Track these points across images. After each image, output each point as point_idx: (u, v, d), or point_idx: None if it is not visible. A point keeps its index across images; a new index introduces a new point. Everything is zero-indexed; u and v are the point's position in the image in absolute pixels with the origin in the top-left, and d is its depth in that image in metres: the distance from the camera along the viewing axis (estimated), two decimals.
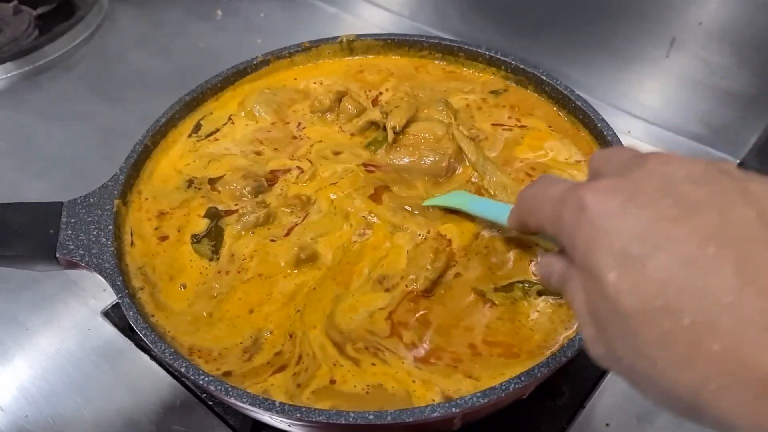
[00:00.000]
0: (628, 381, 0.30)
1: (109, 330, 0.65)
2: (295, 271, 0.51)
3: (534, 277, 0.50)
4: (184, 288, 0.51)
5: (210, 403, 0.59)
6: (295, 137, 0.62)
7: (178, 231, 0.55)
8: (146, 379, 0.61)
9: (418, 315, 0.48)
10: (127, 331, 0.64)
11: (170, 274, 0.52)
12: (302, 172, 0.58)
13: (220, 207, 0.56)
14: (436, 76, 0.67)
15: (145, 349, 0.63)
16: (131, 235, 0.54)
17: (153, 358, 0.62)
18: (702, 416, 0.26)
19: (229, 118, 0.63)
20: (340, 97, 0.63)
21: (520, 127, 0.61)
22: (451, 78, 0.67)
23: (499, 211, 0.48)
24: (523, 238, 0.52)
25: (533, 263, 0.51)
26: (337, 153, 0.60)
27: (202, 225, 0.55)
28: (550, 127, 0.61)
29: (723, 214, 0.26)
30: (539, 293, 0.49)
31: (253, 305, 0.50)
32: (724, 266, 0.25)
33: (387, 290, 0.50)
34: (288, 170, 0.59)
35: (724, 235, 0.26)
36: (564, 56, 0.93)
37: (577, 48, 0.92)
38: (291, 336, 0.48)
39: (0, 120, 0.89)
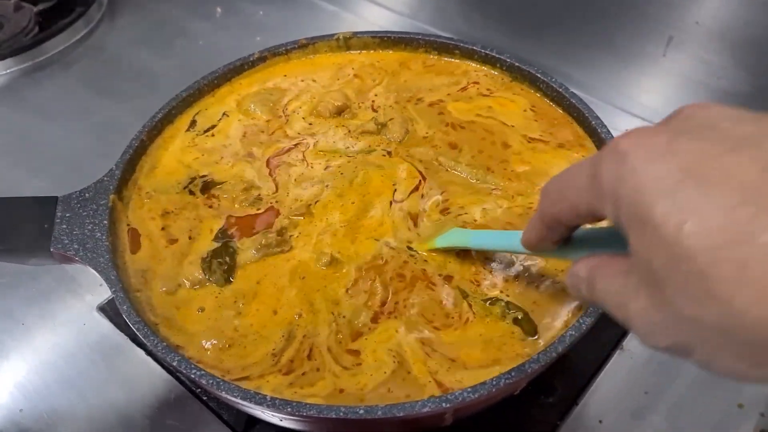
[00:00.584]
0: (689, 347, 0.27)
1: (105, 325, 0.65)
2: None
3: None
4: (201, 311, 0.50)
5: (204, 398, 0.59)
6: (288, 136, 0.62)
7: (189, 238, 0.54)
8: (141, 375, 0.61)
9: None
10: (123, 326, 0.64)
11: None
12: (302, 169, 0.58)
13: (230, 230, 0.55)
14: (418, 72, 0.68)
15: (140, 344, 0.63)
16: (138, 236, 0.54)
17: (148, 353, 0.62)
18: None
19: (224, 114, 0.64)
20: (340, 110, 0.63)
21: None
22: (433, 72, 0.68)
23: (507, 238, 0.46)
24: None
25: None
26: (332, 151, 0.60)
27: (210, 245, 0.54)
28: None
29: None
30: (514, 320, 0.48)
31: (274, 306, 0.50)
32: None
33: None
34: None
35: None
36: (564, 56, 0.93)
37: (577, 47, 0.92)
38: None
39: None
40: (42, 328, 0.65)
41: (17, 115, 0.89)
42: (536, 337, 0.47)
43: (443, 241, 0.52)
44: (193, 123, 0.63)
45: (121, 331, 0.64)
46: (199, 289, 0.51)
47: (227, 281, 0.51)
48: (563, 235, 0.36)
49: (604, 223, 0.34)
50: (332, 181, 0.57)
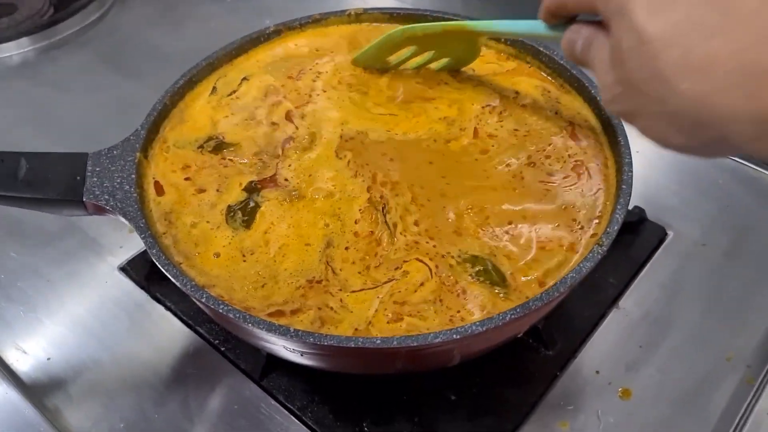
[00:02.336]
0: (635, 113, 0.35)
1: (126, 283, 0.68)
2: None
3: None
4: (217, 257, 0.53)
5: (222, 349, 0.62)
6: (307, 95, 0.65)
7: (217, 190, 0.57)
8: (161, 329, 0.64)
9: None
10: (143, 283, 0.67)
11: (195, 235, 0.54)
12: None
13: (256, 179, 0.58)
14: None
15: (160, 300, 0.66)
16: (161, 186, 0.57)
17: (168, 308, 0.66)
18: (704, 123, 0.31)
19: (244, 79, 0.67)
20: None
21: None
22: None
23: (527, 24, 0.52)
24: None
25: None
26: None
27: (239, 196, 0.57)
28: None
29: None
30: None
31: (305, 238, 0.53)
32: (740, 2, 0.29)
33: None
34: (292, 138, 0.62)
35: None
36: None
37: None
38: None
39: (17, 91, 0.93)
40: (66, 285, 0.68)
41: (36, 89, 0.93)
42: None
43: (479, 25, 0.58)
44: (214, 89, 0.66)
45: (142, 288, 0.67)
46: (221, 233, 0.54)
47: (248, 227, 0.54)
48: (569, 17, 0.44)
49: None
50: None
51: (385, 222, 0.53)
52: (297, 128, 0.62)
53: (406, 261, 0.51)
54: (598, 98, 0.59)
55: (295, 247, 0.53)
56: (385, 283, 0.50)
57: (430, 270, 0.50)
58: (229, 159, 0.59)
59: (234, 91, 0.66)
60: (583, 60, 0.41)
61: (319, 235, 0.53)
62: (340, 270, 0.51)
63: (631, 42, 0.32)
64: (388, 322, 0.48)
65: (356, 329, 0.47)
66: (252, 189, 0.57)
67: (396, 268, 0.51)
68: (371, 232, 0.53)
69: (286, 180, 0.57)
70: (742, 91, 0.28)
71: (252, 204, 0.55)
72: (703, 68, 0.29)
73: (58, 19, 1.03)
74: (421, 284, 0.50)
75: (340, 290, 0.50)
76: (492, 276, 0.50)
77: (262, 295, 0.50)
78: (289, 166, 0.58)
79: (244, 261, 0.52)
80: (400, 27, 0.63)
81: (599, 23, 0.39)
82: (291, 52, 0.70)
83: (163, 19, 1.07)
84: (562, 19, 0.44)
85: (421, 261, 0.51)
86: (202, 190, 0.57)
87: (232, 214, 0.55)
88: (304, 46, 0.71)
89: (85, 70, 0.96)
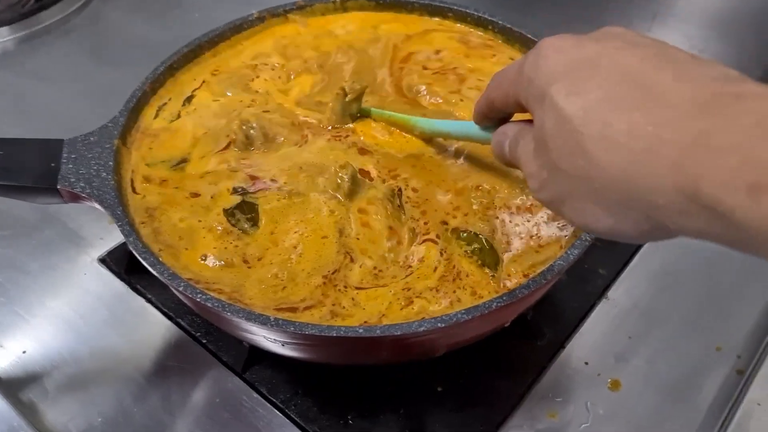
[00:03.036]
0: (562, 199, 0.34)
1: (106, 275, 0.66)
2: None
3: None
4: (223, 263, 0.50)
5: (204, 341, 0.61)
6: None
7: (211, 198, 0.54)
8: (142, 321, 0.63)
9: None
10: (123, 275, 0.66)
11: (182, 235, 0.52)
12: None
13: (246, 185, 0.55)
14: None
15: (140, 292, 0.65)
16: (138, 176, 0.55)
17: (149, 300, 0.64)
18: (630, 197, 0.30)
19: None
20: None
21: None
22: None
23: (462, 125, 0.52)
24: None
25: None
26: None
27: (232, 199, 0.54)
28: None
29: (661, 50, 0.32)
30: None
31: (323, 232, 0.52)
32: (662, 73, 0.30)
33: None
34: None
35: (663, 57, 0.31)
36: (550, 30, 0.95)
37: (563, 21, 0.95)
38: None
39: None
40: (44, 277, 0.66)
41: (17, 79, 0.90)
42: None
43: (420, 122, 0.57)
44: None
45: (122, 280, 0.66)
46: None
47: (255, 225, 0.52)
48: (500, 117, 0.43)
49: None
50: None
51: (400, 205, 0.53)
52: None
53: (421, 242, 0.51)
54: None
55: (311, 241, 0.51)
56: (402, 279, 0.49)
57: (441, 252, 0.50)
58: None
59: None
60: (511, 158, 0.41)
61: (331, 223, 0.52)
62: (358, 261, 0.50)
63: (553, 123, 0.32)
64: (401, 309, 0.47)
65: (365, 322, 0.46)
66: (243, 192, 0.55)
67: (407, 261, 0.50)
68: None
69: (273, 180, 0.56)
70: (665, 162, 0.28)
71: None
72: (624, 140, 0.29)
73: (39, 7, 1.01)
74: (435, 269, 0.49)
75: (354, 288, 0.49)
76: (486, 256, 0.49)
77: (281, 297, 0.48)
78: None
79: (259, 262, 0.50)
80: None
81: (525, 122, 0.39)
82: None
83: (147, 8, 1.05)
84: (494, 121, 0.44)
85: (432, 241, 0.51)
86: (195, 195, 0.55)
87: (233, 216, 0.53)
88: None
89: (66, 60, 0.94)
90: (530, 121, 0.37)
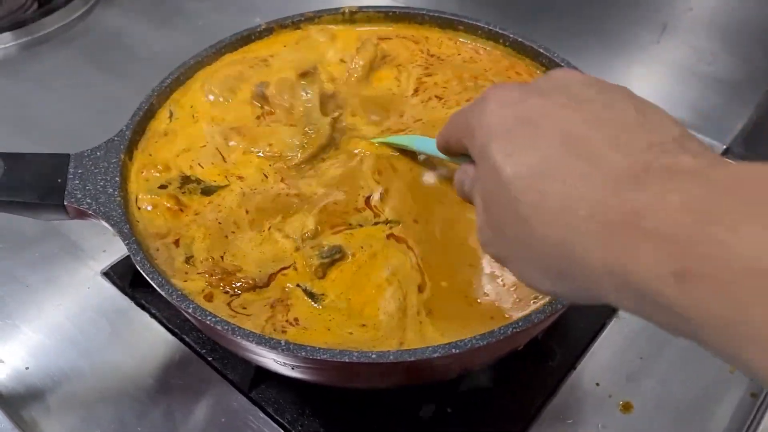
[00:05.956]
0: (505, 258, 0.33)
1: (109, 289, 0.65)
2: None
3: None
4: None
5: (209, 358, 0.59)
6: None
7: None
8: (145, 337, 0.62)
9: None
10: (127, 289, 0.65)
11: None
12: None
13: None
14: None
15: (144, 307, 0.64)
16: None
17: (152, 316, 0.63)
18: (564, 271, 0.29)
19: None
20: None
21: None
22: None
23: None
24: None
25: None
26: None
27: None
28: None
29: (607, 107, 0.30)
30: None
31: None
32: (600, 139, 0.29)
33: None
34: None
35: (605, 120, 0.30)
36: (557, 42, 0.95)
37: (570, 34, 0.94)
38: None
39: None
40: (46, 291, 0.65)
41: (17, 86, 0.89)
42: None
43: (393, 139, 0.56)
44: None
45: (126, 295, 0.65)
46: None
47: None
48: (458, 153, 0.41)
49: None
50: None
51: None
52: None
53: None
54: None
55: None
56: None
57: None
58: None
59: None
60: (470, 199, 0.39)
61: None
62: None
63: (493, 185, 0.31)
64: None
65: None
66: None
67: None
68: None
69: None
70: (595, 240, 0.27)
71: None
72: (560, 213, 0.28)
73: (41, 14, 1.00)
74: None
75: None
76: None
77: None
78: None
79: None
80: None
81: None
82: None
83: (149, 16, 1.04)
84: (455, 155, 0.42)
85: None
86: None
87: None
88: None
89: (68, 68, 0.93)
90: None
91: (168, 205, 0.53)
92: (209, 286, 0.48)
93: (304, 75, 0.63)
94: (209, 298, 0.48)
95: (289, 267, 0.50)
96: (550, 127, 0.30)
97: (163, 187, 0.54)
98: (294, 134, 0.58)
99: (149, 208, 0.53)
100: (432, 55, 0.68)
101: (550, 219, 0.29)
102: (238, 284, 0.48)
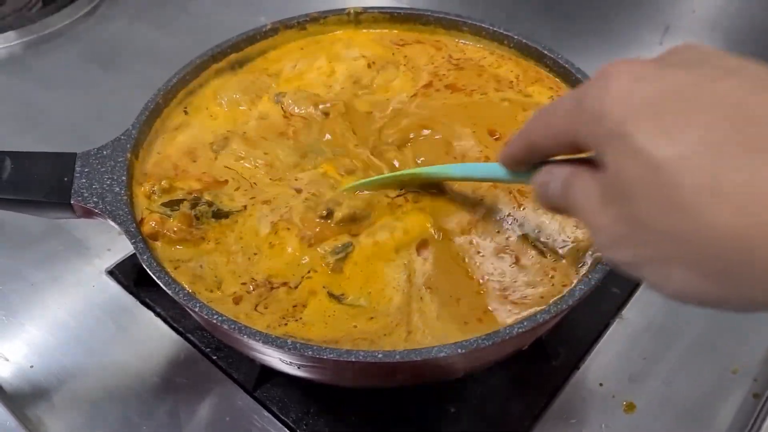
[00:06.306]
0: (645, 261, 0.28)
1: (114, 287, 0.65)
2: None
3: None
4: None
5: (214, 357, 0.60)
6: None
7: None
8: (150, 335, 0.62)
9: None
10: (132, 288, 0.65)
11: None
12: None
13: None
14: None
15: (149, 306, 0.64)
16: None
17: (157, 314, 0.63)
18: (743, 265, 0.25)
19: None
20: None
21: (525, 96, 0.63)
22: None
23: (485, 168, 0.47)
24: None
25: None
26: None
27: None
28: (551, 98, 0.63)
29: (760, 75, 0.26)
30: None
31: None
32: None
33: None
34: None
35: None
36: (560, 43, 0.95)
37: (572, 34, 0.94)
38: None
39: (2, 87, 0.89)
40: (51, 289, 0.65)
41: (22, 85, 0.90)
42: None
43: (426, 171, 0.51)
44: None
45: (130, 293, 0.65)
46: None
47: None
48: (536, 160, 0.37)
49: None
50: None
51: None
52: None
53: None
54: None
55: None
56: None
57: None
58: None
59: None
60: (562, 204, 0.34)
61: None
62: None
63: (637, 171, 0.27)
64: None
65: None
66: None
67: None
68: None
69: None
70: None
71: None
72: (741, 196, 0.24)
73: (46, 12, 1.00)
74: None
75: None
76: None
77: None
78: None
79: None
80: (351, 184, 0.54)
81: (576, 161, 0.34)
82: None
83: (154, 14, 1.04)
84: (529, 166, 0.38)
85: None
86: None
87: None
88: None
89: (73, 66, 0.93)
90: (584, 161, 0.33)
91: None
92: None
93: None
94: (237, 301, 0.48)
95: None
96: (709, 101, 0.26)
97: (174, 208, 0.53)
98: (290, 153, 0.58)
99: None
100: None
101: (723, 206, 0.24)
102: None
